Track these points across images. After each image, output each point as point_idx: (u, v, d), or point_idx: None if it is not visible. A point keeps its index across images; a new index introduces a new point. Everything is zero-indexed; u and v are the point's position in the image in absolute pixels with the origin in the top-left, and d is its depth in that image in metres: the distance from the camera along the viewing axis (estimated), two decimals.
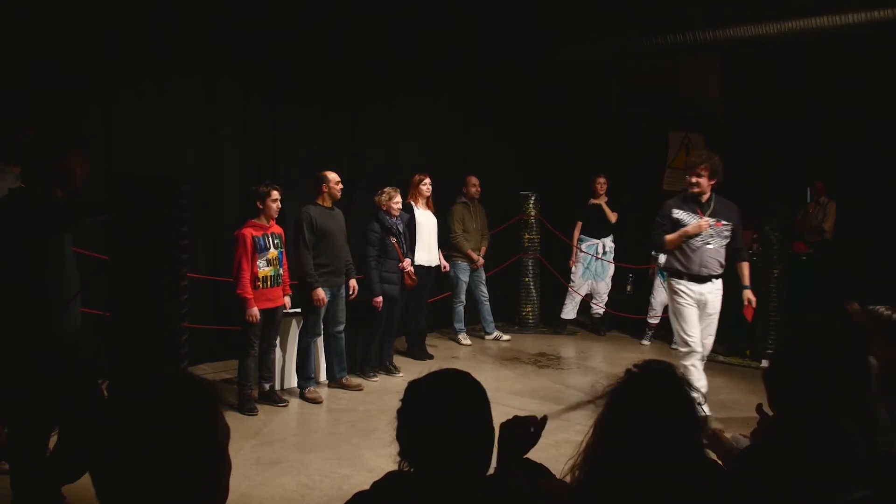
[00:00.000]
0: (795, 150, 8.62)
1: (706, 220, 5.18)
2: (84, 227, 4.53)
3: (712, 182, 5.25)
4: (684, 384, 1.68)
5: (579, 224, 8.38)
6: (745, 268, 5.41)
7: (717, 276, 5.27)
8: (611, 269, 8.32)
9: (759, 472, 1.77)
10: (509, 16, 8.27)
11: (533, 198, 8.50)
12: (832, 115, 8.33)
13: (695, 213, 5.26)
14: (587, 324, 8.64)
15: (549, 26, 8.60)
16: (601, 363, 7.28)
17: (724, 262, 5.27)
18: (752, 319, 5.72)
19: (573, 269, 8.40)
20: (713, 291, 5.27)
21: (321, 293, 5.62)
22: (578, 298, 8.40)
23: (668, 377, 1.69)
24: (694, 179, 5.23)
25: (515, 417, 1.95)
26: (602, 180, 8.24)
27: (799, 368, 1.82)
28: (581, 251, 8.34)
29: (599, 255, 8.27)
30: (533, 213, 8.51)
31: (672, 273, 5.37)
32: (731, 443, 2.28)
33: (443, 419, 1.57)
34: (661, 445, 1.57)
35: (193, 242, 4.25)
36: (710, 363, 7.15)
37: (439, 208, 7.23)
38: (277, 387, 5.76)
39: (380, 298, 6.16)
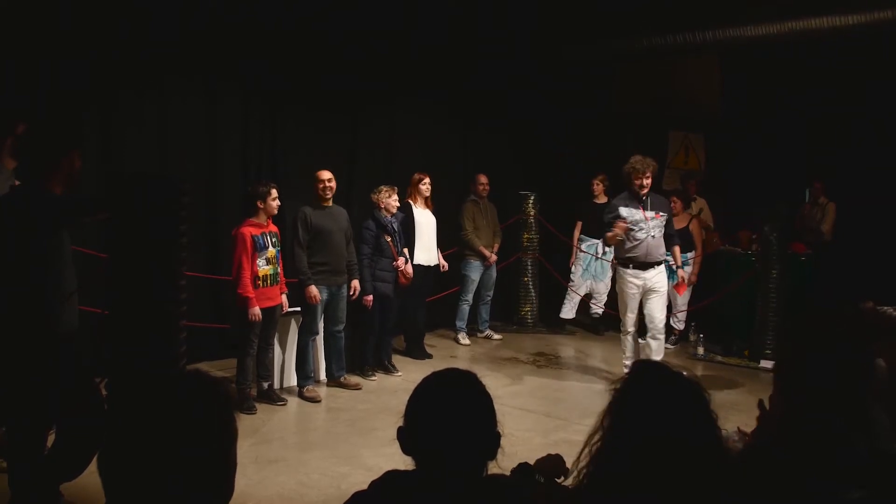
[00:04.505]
0: (795, 150, 8.63)
1: (623, 224, 5.95)
2: (83, 225, 4.54)
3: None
4: (683, 377, 1.68)
5: (579, 224, 8.40)
6: (677, 251, 6.32)
7: (658, 263, 6.06)
8: (610, 269, 8.32)
9: (758, 471, 1.77)
10: (510, 16, 8.27)
11: (532, 197, 8.50)
12: (832, 114, 8.33)
13: (636, 208, 6.04)
14: (586, 323, 8.65)
15: (549, 26, 8.60)
16: (600, 363, 7.28)
17: (664, 248, 6.13)
18: (684, 295, 6.80)
19: (573, 268, 8.40)
20: (657, 275, 6.06)
21: (314, 290, 5.62)
22: (577, 298, 8.41)
23: (667, 373, 1.70)
24: (644, 181, 6.03)
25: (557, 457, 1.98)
26: (598, 182, 8.25)
27: (801, 368, 1.82)
28: (581, 251, 8.34)
29: (599, 255, 8.28)
30: (532, 213, 8.51)
31: (621, 262, 6.17)
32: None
33: (455, 420, 1.58)
34: (673, 443, 1.56)
35: (193, 241, 4.25)
36: (709, 363, 7.20)
37: (439, 208, 7.23)
38: (276, 385, 5.77)
39: (370, 297, 6.16)
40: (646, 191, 6.03)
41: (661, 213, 6.05)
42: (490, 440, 1.61)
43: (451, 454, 1.56)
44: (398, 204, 6.38)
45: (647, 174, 6.00)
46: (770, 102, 8.73)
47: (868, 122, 8.16)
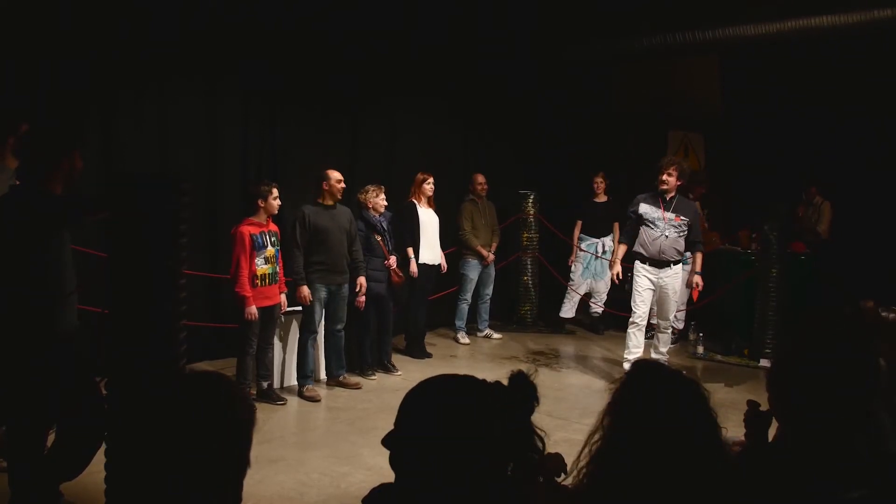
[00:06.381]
0: (795, 150, 8.62)
1: (618, 272, 6.36)
2: (83, 225, 4.54)
3: (678, 183, 6.14)
4: (683, 376, 1.69)
5: (579, 223, 8.41)
6: (698, 257, 6.33)
7: (675, 262, 6.17)
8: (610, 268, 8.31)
9: (758, 471, 1.77)
10: (510, 16, 8.27)
11: (532, 197, 8.50)
12: (832, 114, 8.32)
13: (657, 207, 6.14)
14: (586, 323, 8.65)
15: (549, 26, 8.59)
16: (599, 362, 7.28)
17: (681, 250, 6.19)
18: (697, 301, 6.99)
19: (572, 267, 8.41)
20: (671, 276, 6.19)
21: (305, 291, 5.63)
22: (577, 297, 8.41)
23: (667, 373, 1.70)
24: (664, 177, 6.09)
25: (557, 456, 1.97)
26: (600, 180, 8.27)
27: (801, 368, 1.82)
28: (581, 250, 8.34)
29: (599, 255, 8.28)
30: (532, 212, 8.51)
31: (636, 257, 6.27)
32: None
33: (445, 427, 1.53)
34: (673, 442, 1.57)
35: (192, 241, 4.25)
36: (709, 363, 7.20)
37: (440, 207, 7.23)
38: (276, 385, 5.77)
39: (362, 298, 6.16)
40: (664, 187, 6.09)
41: (681, 217, 6.12)
42: (497, 440, 1.56)
43: (450, 461, 1.52)
44: (386, 203, 6.38)
45: (669, 171, 6.08)
46: (770, 102, 8.72)
47: (868, 121, 8.14)
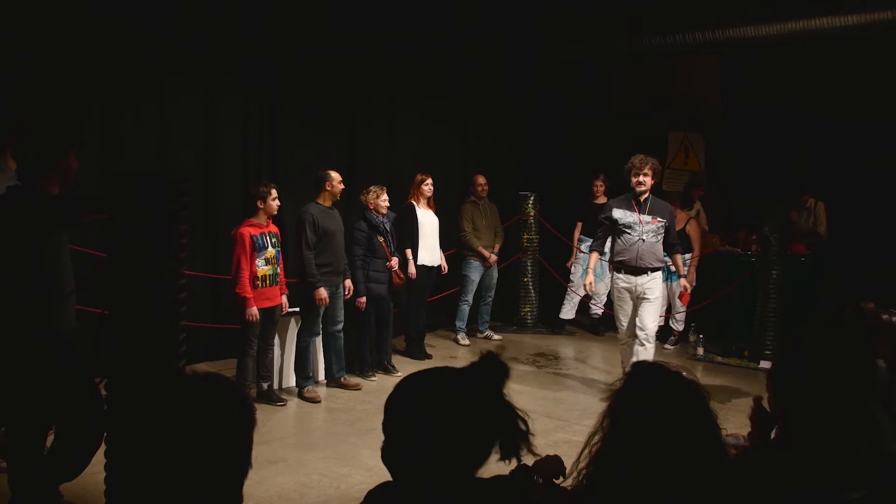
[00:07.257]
0: (794, 151, 8.62)
1: (591, 282, 5.97)
2: (83, 225, 4.54)
3: (653, 182, 5.86)
4: (682, 377, 1.69)
5: (579, 224, 8.41)
6: (678, 259, 6.10)
7: (653, 269, 5.77)
8: (609, 270, 8.30)
9: (757, 472, 1.77)
10: (509, 15, 8.27)
11: (532, 198, 8.50)
12: (831, 115, 8.32)
13: (632, 210, 5.81)
14: (586, 324, 8.65)
15: (549, 26, 8.60)
16: (599, 363, 7.28)
17: (660, 255, 5.82)
18: (689, 305, 6.72)
19: (572, 269, 8.40)
20: (650, 281, 5.76)
21: (323, 293, 5.62)
22: (577, 299, 8.40)
23: (667, 374, 1.70)
24: (641, 178, 5.76)
25: (556, 458, 1.98)
26: (600, 183, 8.27)
27: (801, 369, 1.81)
28: (581, 251, 8.34)
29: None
30: (532, 214, 8.51)
31: (613, 265, 5.98)
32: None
33: (423, 418, 1.55)
34: (672, 443, 1.57)
35: (193, 241, 4.25)
36: (709, 364, 7.20)
37: (440, 208, 7.23)
38: (276, 386, 5.77)
39: (363, 298, 6.15)
40: (642, 188, 5.75)
41: (658, 219, 5.77)
42: (476, 440, 1.57)
43: (440, 458, 1.52)
44: (388, 204, 6.37)
45: (644, 171, 5.73)
46: (770, 102, 8.72)
47: (868, 122, 8.14)
